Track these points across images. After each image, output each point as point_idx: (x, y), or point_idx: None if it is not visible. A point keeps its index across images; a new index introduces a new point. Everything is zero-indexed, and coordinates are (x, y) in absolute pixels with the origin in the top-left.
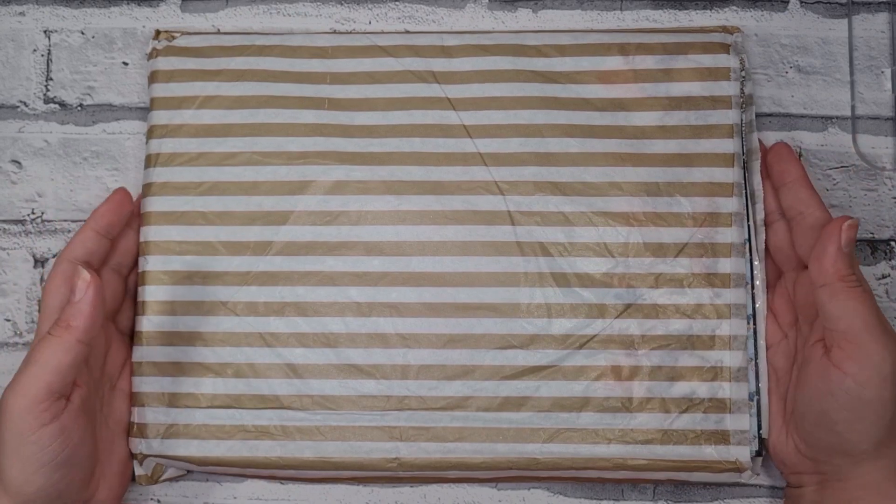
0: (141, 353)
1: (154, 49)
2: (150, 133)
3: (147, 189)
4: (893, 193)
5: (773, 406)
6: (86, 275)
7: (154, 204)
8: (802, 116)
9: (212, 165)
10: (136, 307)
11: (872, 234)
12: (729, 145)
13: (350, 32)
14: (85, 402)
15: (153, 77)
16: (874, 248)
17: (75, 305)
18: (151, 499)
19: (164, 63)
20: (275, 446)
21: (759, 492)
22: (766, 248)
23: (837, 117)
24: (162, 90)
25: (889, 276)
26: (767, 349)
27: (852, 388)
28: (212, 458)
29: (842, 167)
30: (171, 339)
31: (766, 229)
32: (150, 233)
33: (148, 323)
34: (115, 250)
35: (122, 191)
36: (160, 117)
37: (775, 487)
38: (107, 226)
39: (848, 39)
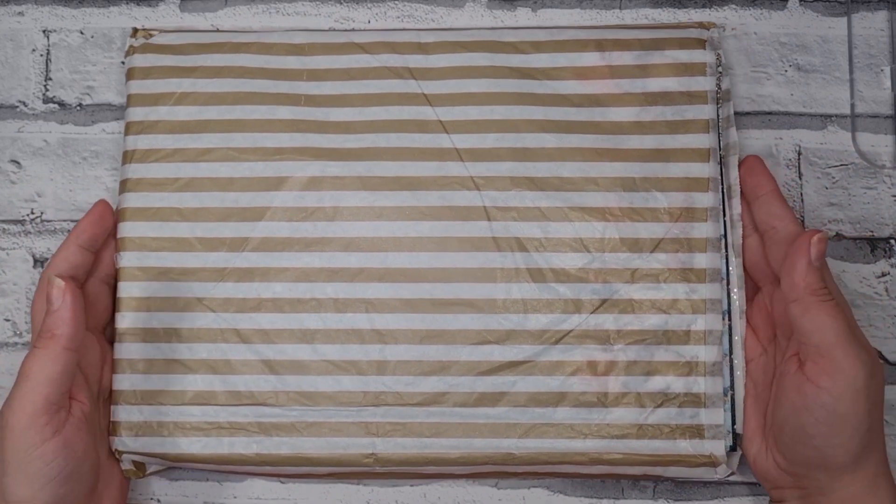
0: (118, 351)
1: (131, 46)
2: (127, 130)
3: (123, 185)
4: (893, 191)
5: (754, 421)
6: (59, 282)
7: (130, 200)
8: (802, 115)
9: (187, 162)
10: (114, 304)
11: (872, 232)
12: (704, 140)
13: (327, 30)
14: (87, 416)
15: (130, 74)
16: (874, 246)
17: (55, 314)
18: (152, 498)
19: (140, 60)
20: (251, 443)
21: (758, 490)
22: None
23: (837, 115)
24: (138, 87)
25: (889, 273)
26: (748, 363)
27: (827, 402)
28: (187, 454)
29: (841, 165)
30: (147, 335)
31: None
32: (126, 229)
33: (123, 320)
34: (102, 262)
35: (103, 203)
36: (136, 114)
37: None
38: (89, 239)
39: (847, 37)
